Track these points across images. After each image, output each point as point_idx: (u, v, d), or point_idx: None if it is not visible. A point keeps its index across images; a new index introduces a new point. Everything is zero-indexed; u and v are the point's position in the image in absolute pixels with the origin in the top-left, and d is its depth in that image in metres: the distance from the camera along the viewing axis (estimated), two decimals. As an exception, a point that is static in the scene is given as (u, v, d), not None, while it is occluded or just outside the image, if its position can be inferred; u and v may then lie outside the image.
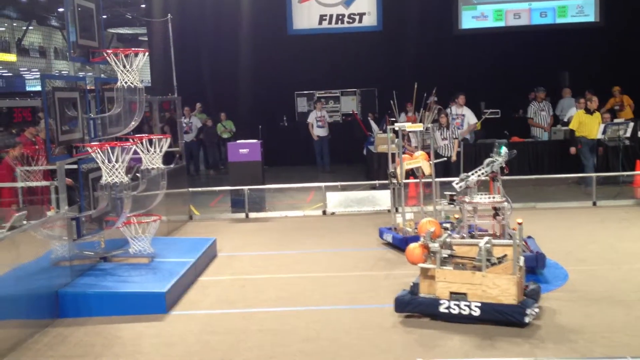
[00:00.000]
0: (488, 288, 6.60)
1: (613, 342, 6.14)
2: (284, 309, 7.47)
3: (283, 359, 6.00)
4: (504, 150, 8.40)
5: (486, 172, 8.28)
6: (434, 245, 6.95)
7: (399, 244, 9.60)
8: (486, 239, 6.98)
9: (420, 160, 10.10)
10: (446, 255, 6.93)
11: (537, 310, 6.72)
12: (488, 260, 6.73)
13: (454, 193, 8.39)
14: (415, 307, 6.89)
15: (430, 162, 10.18)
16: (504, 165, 8.37)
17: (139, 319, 7.20)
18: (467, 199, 8.19)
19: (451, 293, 6.75)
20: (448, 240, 7.13)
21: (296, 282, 8.47)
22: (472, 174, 8.21)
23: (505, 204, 8.11)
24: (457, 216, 10.04)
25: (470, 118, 15.40)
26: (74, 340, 6.72)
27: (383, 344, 6.34)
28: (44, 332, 6.94)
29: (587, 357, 5.73)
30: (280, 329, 6.82)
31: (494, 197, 8.20)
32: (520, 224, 6.96)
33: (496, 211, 8.19)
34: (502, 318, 6.51)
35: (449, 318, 6.71)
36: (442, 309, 6.74)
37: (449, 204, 8.52)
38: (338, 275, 8.67)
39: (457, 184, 8.23)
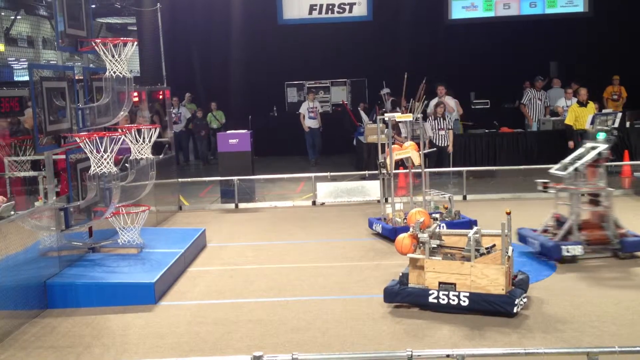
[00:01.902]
0: (477, 278, 6.63)
1: (601, 331, 6.17)
2: (274, 299, 7.47)
3: (273, 350, 5.99)
4: (604, 136, 8.35)
5: (593, 158, 8.20)
6: (423, 236, 6.96)
7: (389, 234, 9.62)
8: (475, 229, 6.99)
9: (409, 151, 10.10)
10: (435, 246, 6.94)
11: (525, 300, 6.75)
12: (477, 250, 6.75)
13: (546, 180, 8.32)
14: (404, 297, 6.90)
15: (420, 153, 10.18)
16: (608, 152, 8.35)
17: (128, 310, 7.19)
18: (564, 185, 8.11)
19: (440, 283, 6.77)
20: (437, 230, 7.14)
21: (286, 272, 8.47)
22: (578, 161, 8.15)
23: (608, 189, 8.07)
24: (446, 206, 10.10)
25: (452, 105, 15.57)
26: (62, 331, 6.69)
27: (372, 334, 6.35)
28: (32, 322, 6.91)
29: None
30: (270, 319, 6.82)
31: (594, 184, 8.16)
32: (508, 213, 6.96)
33: (594, 198, 8.13)
34: (490, 308, 6.53)
35: (438, 308, 6.73)
36: (431, 299, 6.76)
37: (542, 191, 8.46)
38: (327, 266, 8.67)
39: (562, 170, 8.14)
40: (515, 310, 6.51)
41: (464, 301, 6.62)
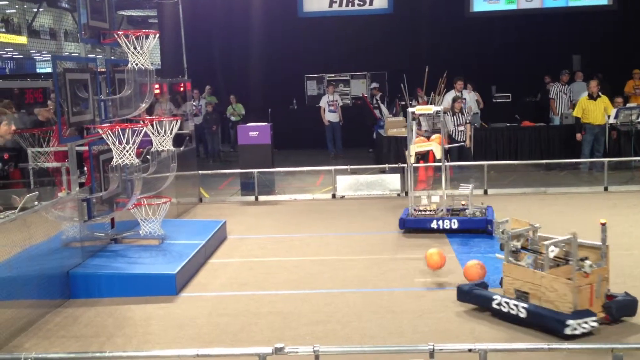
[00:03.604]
0: (547, 290, 6.08)
1: (627, 327, 6.11)
2: (294, 291, 7.47)
3: (293, 342, 5.98)
4: None
5: None
6: (502, 236, 6.43)
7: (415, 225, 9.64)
8: (569, 236, 6.25)
9: (432, 144, 10.05)
10: (514, 249, 6.46)
11: (592, 324, 5.84)
12: (566, 260, 6.21)
13: None
14: (472, 298, 6.61)
15: (443, 147, 10.11)
16: None
17: (150, 300, 7.23)
18: None
19: (515, 290, 6.33)
20: (526, 233, 6.59)
21: (306, 265, 8.47)
22: None
23: None
24: (463, 203, 10.05)
25: (471, 103, 15.38)
26: (85, 321, 6.75)
27: (393, 327, 6.33)
28: (55, 312, 6.98)
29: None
30: (290, 312, 6.83)
31: None
32: (603, 224, 6.18)
33: None
34: (542, 324, 5.99)
35: (500, 315, 6.31)
36: (494, 305, 6.35)
37: None
38: (347, 259, 8.66)
39: None
40: (567, 332, 5.75)
41: (522, 312, 6.09)
